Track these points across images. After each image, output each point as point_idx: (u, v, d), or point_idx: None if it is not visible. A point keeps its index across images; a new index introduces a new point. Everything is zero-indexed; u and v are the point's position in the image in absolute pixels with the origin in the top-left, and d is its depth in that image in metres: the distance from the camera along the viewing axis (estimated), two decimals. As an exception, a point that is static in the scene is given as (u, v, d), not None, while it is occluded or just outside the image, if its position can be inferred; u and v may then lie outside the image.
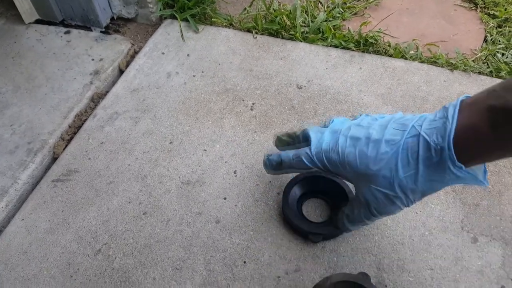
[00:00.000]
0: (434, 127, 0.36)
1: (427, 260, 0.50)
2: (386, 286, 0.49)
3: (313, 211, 0.56)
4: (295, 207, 0.54)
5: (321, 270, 0.50)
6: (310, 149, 0.44)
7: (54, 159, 0.66)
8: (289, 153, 0.47)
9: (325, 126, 0.47)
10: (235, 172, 0.61)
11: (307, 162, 0.44)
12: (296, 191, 0.55)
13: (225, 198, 0.58)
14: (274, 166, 0.49)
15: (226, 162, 0.62)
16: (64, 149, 0.66)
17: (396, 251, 0.51)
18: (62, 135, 0.68)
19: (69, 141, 0.68)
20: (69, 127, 0.70)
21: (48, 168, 0.65)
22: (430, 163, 0.36)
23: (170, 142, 0.65)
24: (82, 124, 0.69)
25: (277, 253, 0.52)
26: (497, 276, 0.49)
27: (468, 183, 0.36)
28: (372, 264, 0.50)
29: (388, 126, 0.40)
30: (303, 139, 0.48)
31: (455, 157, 0.34)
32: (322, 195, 0.57)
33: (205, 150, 0.63)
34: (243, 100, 0.70)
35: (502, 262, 0.50)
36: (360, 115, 0.47)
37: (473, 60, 0.75)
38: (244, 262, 0.52)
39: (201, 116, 0.68)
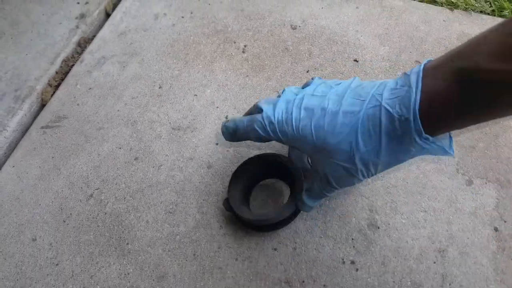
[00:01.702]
0: (396, 96, 0.30)
1: (420, 202, 0.46)
2: (378, 227, 0.44)
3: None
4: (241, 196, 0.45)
5: (312, 213, 0.46)
6: (262, 117, 0.37)
7: (43, 105, 0.59)
8: (244, 120, 0.39)
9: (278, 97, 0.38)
10: (226, 117, 0.54)
11: (260, 131, 0.37)
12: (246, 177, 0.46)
13: (217, 144, 0.52)
14: (230, 133, 0.41)
15: (217, 107, 0.55)
16: (52, 95, 0.59)
17: (389, 193, 0.46)
18: (49, 81, 0.61)
19: (56, 87, 0.60)
20: (56, 73, 0.62)
21: (36, 114, 0.58)
22: (394, 135, 0.30)
23: (159, 87, 0.57)
24: (70, 69, 0.62)
25: (269, 195, 0.48)
26: (491, 218, 0.44)
27: (435, 154, 0.31)
28: (365, 206, 0.46)
29: (345, 96, 0.33)
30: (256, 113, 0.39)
31: (422, 128, 0.28)
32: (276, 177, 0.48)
33: (196, 95, 0.56)
34: (235, 42, 0.61)
35: (496, 204, 0.45)
36: (312, 79, 0.39)
37: (475, -1, 0.66)
38: (236, 205, 0.47)
39: (191, 59, 0.60)
